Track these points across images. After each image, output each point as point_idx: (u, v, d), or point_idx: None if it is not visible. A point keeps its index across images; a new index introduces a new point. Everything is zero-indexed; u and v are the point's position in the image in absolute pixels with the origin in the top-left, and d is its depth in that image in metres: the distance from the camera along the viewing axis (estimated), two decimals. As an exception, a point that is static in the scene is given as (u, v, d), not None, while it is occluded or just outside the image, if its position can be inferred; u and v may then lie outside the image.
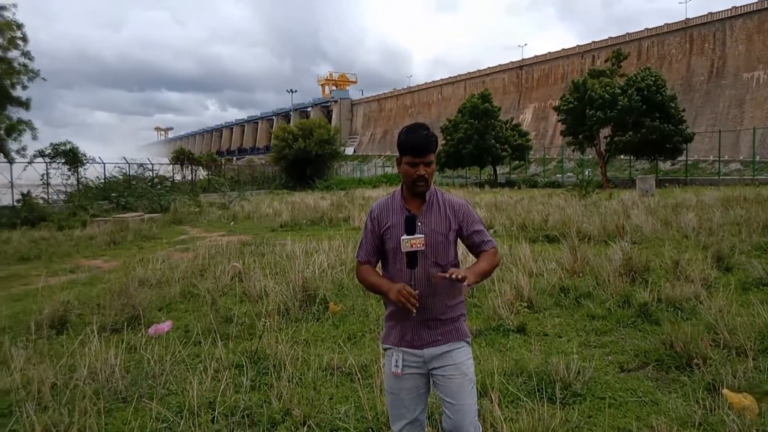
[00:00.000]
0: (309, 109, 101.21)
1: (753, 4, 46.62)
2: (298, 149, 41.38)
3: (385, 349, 2.44)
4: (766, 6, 45.52)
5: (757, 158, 33.87)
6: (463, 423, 2.26)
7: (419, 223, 2.25)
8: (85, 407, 3.39)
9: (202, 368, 4.05)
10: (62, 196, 23.72)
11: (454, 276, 2.09)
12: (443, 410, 2.31)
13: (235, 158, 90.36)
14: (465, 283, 2.10)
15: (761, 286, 6.14)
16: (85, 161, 25.19)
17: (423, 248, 2.19)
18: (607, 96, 29.10)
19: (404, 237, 2.18)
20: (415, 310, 2.15)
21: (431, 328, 2.30)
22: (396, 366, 2.31)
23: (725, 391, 3.44)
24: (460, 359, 2.31)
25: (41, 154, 23.47)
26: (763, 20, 45.70)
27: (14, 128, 20.64)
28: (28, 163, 22.93)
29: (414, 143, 2.26)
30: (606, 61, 34.40)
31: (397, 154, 2.34)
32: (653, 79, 29.23)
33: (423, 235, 2.20)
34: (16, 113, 21.47)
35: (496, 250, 2.40)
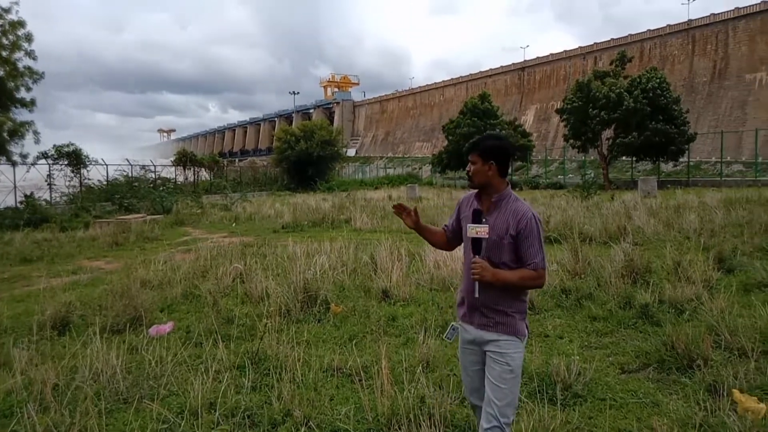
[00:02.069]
0: (311, 111, 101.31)
1: (756, 5, 46.54)
2: (300, 151, 41.42)
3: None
4: (768, 7, 45.48)
5: (760, 159, 33.79)
6: (498, 405, 2.44)
7: (485, 219, 2.53)
8: (87, 408, 3.40)
9: (203, 369, 4.06)
10: (65, 198, 23.80)
11: (473, 265, 2.44)
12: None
13: (237, 160, 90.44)
14: (472, 276, 2.45)
15: (763, 287, 6.12)
16: (87, 163, 25.27)
17: (487, 236, 2.49)
18: (612, 96, 29.02)
19: (470, 225, 2.53)
20: (408, 219, 2.78)
21: (484, 314, 2.55)
22: (448, 337, 2.71)
23: (735, 391, 3.44)
24: (508, 350, 2.49)
25: (44, 155, 23.56)
26: (766, 21, 45.60)
27: (17, 131, 20.65)
28: (32, 164, 23.00)
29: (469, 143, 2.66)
30: (611, 63, 34.35)
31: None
32: (658, 81, 29.18)
33: (488, 226, 2.50)
34: (19, 114, 21.50)
35: (539, 273, 2.49)
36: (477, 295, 2.49)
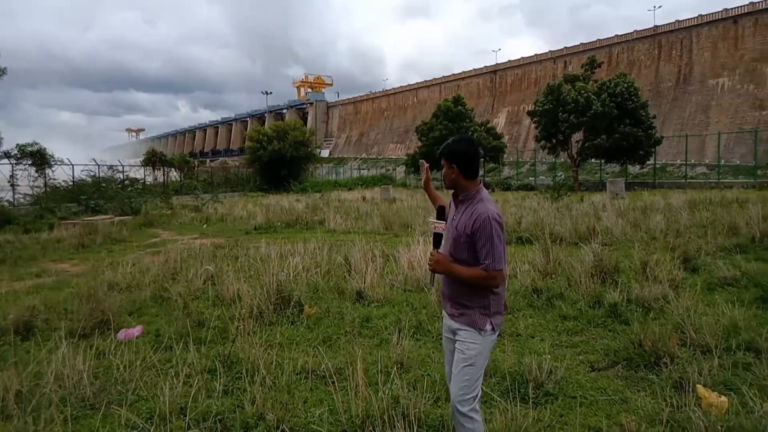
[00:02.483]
0: (284, 111, 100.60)
1: (718, 12, 48.14)
2: (273, 151, 41.03)
3: None
4: (730, 15, 47.04)
5: (722, 162, 34.90)
6: (453, 390, 2.65)
7: (453, 218, 2.70)
8: (52, 415, 3.30)
9: (173, 373, 3.97)
10: (29, 199, 23.09)
11: (429, 257, 2.67)
12: None
13: (208, 160, 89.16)
14: (429, 268, 2.69)
15: (726, 286, 6.33)
16: (53, 163, 24.59)
17: (443, 232, 2.68)
18: (581, 100, 29.62)
19: (431, 219, 2.73)
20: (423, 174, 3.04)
21: (451, 305, 2.74)
22: (444, 325, 2.85)
23: (699, 387, 3.53)
24: (465, 340, 2.64)
25: (6, 155, 22.83)
26: (728, 29, 47.21)
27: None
28: (-7, 164, 22.31)
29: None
30: (582, 67, 35.01)
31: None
32: (626, 85, 29.88)
33: (444, 222, 2.69)
34: None
35: (489, 275, 2.55)
36: (431, 285, 2.82)
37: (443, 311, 2.84)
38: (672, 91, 50.41)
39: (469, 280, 2.59)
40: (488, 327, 2.62)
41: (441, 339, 4.89)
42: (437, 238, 2.68)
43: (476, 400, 2.62)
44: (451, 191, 2.80)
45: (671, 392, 3.61)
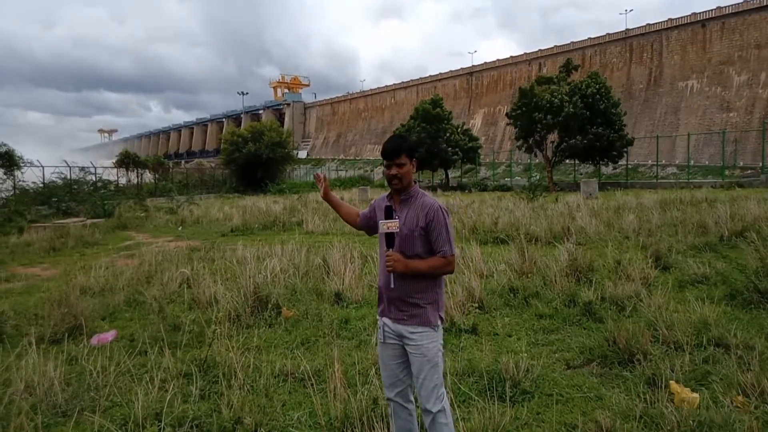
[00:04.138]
0: (260, 112, 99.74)
1: (687, 16, 49.33)
2: (249, 152, 40.60)
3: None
4: (698, 19, 48.26)
5: (692, 163, 35.79)
6: (423, 394, 2.65)
7: (396, 216, 2.69)
8: (22, 423, 3.22)
9: (148, 378, 3.91)
10: (-3, 201, 22.45)
11: (387, 258, 2.61)
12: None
13: (183, 161, 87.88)
14: (387, 269, 2.61)
15: (696, 283, 6.48)
16: (22, 164, 23.95)
17: (397, 230, 2.64)
18: (555, 101, 30.08)
19: (382, 221, 2.69)
20: (321, 186, 3.01)
21: (399, 308, 2.70)
22: (380, 334, 2.78)
23: (672, 383, 3.61)
24: (422, 342, 2.65)
25: (-27, 156, 22.20)
26: (696, 32, 48.42)
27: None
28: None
29: (385, 148, 2.72)
30: (558, 69, 35.50)
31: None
32: (597, 86, 30.41)
33: (396, 221, 2.65)
34: None
35: (447, 260, 2.66)
36: (392, 286, 2.67)
37: (383, 318, 2.77)
38: (643, 93, 51.49)
39: (429, 272, 2.64)
40: (438, 321, 2.72)
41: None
42: (390, 238, 2.65)
43: (445, 395, 2.72)
44: (387, 193, 2.82)
45: (644, 388, 3.68)
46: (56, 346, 4.91)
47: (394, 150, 2.69)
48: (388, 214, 2.70)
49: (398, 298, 2.69)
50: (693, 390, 3.55)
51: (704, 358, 4.12)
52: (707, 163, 39.97)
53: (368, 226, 2.98)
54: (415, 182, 2.78)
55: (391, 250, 2.65)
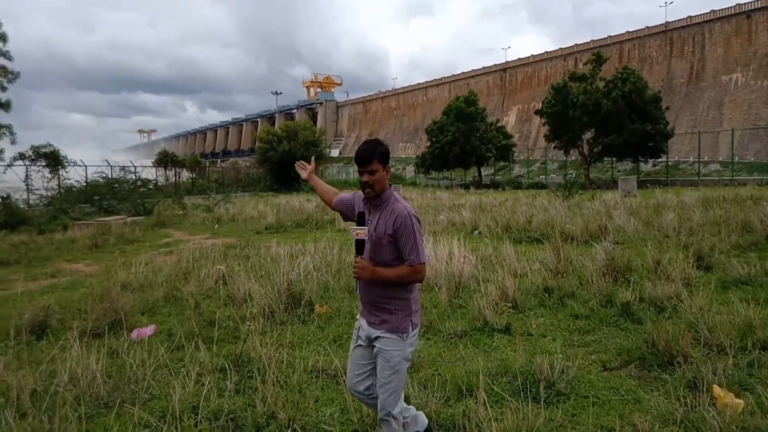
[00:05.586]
0: (294, 111, 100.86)
1: (731, 7, 47.55)
2: (283, 151, 41.17)
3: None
4: (742, 10, 46.45)
5: (736, 159, 34.50)
6: (380, 398, 2.70)
7: (369, 221, 2.69)
8: (66, 413, 3.33)
9: (185, 372, 4.00)
10: (43, 200, 23.34)
11: (354, 265, 2.61)
12: None
13: (219, 160, 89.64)
14: (354, 276, 2.64)
15: (740, 284, 6.25)
16: (66, 164, 24.83)
17: (366, 237, 2.64)
18: (590, 105, 29.42)
19: (352, 227, 2.71)
20: (303, 171, 3.32)
21: (370, 311, 2.74)
22: (354, 335, 2.86)
23: (714, 387, 3.49)
24: (387, 348, 2.67)
25: (21, 156, 23.08)
26: (741, 24, 46.62)
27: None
28: (8, 165, 22.55)
29: (357, 155, 2.68)
30: (585, 63, 34.78)
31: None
32: (634, 81, 29.61)
33: (366, 228, 2.65)
34: None
35: (415, 269, 2.61)
36: (358, 293, 2.72)
37: (360, 319, 2.83)
38: (684, 87, 49.90)
39: (396, 280, 2.61)
40: (410, 329, 2.69)
41: (445, 338, 4.90)
42: (359, 245, 2.65)
43: (401, 399, 2.76)
44: (365, 197, 2.76)
45: (685, 392, 3.56)
46: (98, 339, 5.08)
47: (365, 157, 2.63)
48: (360, 220, 2.69)
49: (370, 302, 2.72)
50: (737, 395, 3.42)
51: (749, 362, 3.97)
52: (752, 159, 38.44)
53: (342, 212, 2.99)
54: (390, 185, 2.74)
55: (360, 257, 2.63)
